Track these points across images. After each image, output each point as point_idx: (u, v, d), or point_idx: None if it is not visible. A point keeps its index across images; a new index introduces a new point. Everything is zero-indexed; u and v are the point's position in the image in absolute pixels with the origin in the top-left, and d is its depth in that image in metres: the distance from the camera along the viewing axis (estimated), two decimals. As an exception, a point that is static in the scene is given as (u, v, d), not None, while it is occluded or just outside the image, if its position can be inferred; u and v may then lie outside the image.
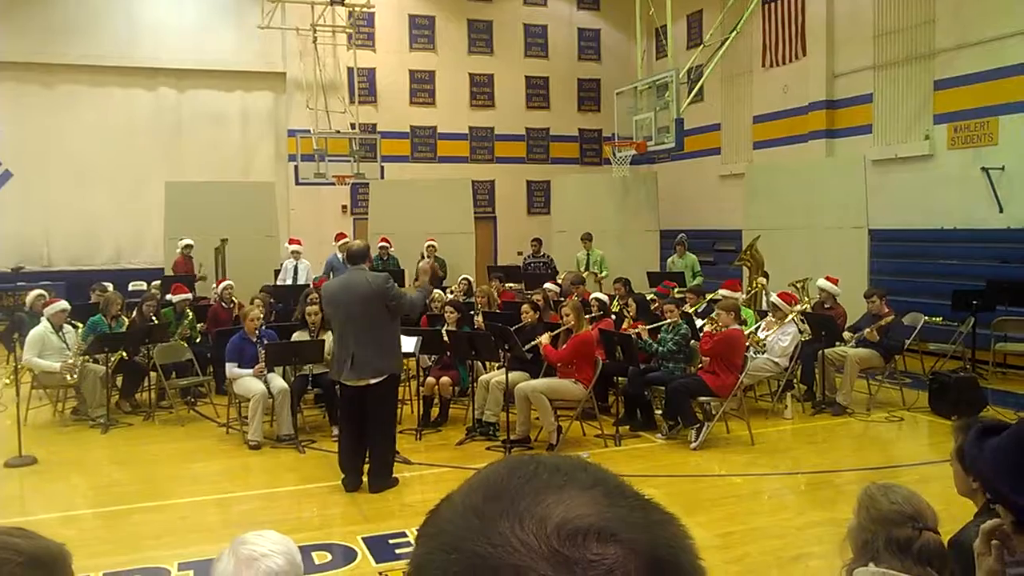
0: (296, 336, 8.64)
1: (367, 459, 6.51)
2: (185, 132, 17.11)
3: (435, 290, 10.74)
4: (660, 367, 8.23)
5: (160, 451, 7.81)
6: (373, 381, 6.28)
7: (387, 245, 13.12)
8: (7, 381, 8.29)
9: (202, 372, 9.49)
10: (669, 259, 13.64)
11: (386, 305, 6.33)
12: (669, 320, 8.24)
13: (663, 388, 8.06)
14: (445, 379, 8.41)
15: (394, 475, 6.60)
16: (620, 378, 8.52)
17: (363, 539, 5.45)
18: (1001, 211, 11.72)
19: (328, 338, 8.00)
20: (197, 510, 6.23)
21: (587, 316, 8.29)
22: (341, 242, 13.36)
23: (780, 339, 8.74)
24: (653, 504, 0.64)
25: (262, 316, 8.66)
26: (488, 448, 7.65)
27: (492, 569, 0.57)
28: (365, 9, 17.13)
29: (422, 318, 9.48)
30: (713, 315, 8.11)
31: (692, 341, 8.27)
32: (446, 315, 8.84)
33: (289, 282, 12.78)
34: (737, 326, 7.93)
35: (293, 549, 2.03)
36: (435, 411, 8.55)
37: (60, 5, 16.07)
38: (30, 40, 15.81)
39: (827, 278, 9.58)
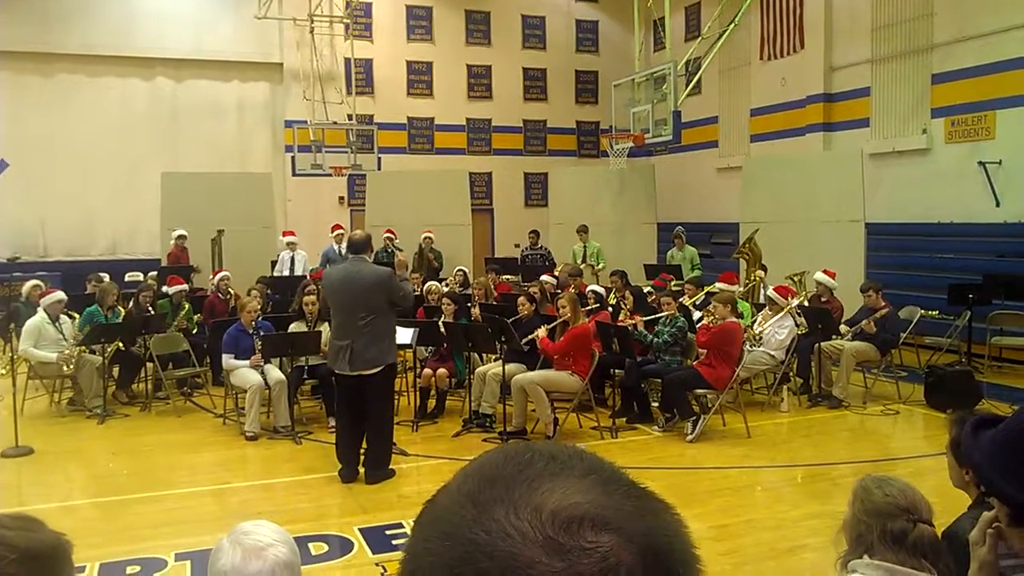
0: (293, 327, 8.64)
1: (364, 450, 6.52)
2: (182, 122, 17.04)
3: (432, 282, 10.75)
4: (657, 360, 8.24)
5: (157, 442, 7.81)
6: (369, 372, 6.29)
7: (392, 236, 13.01)
8: (3, 371, 8.30)
9: (199, 363, 9.48)
10: (668, 252, 13.62)
11: (390, 299, 6.37)
12: (666, 312, 8.25)
13: (660, 380, 8.08)
14: (442, 371, 8.41)
15: (391, 466, 6.61)
16: (617, 370, 8.53)
17: (360, 530, 5.47)
18: (998, 205, 11.72)
19: (325, 329, 8.00)
20: (194, 501, 6.24)
21: (584, 309, 8.29)
22: (336, 233, 13.35)
23: (777, 332, 8.74)
24: (648, 493, 0.64)
25: (259, 307, 8.66)
26: (484, 440, 7.65)
27: (487, 556, 0.57)
28: None
29: (419, 310, 9.48)
30: (710, 307, 8.11)
31: (689, 334, 8.28)
32: (443, 307, 8.83)
33: (286, 273, 12.77)
34: (734, 319, 7.94)
35: (291, 539, 2.05)
36: (432, 403, 8.56)
37: (56, -6, 16.00)
38: (26, 29, 15.73)
39: (824, 271, 9.59)
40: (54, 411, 8.97)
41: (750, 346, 8.55)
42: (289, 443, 7.64)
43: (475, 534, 0.58)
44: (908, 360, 10.07)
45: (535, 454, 0.65)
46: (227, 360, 8.06)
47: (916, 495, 2.38)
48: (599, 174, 15.70)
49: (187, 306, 10.06)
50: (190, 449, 7.60)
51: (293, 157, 16.46)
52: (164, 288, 10.24)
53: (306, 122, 16.30)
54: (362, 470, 6.49)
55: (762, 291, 10.40)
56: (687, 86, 13.08)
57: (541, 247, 14.77)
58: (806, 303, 9.50)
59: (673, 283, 10.44)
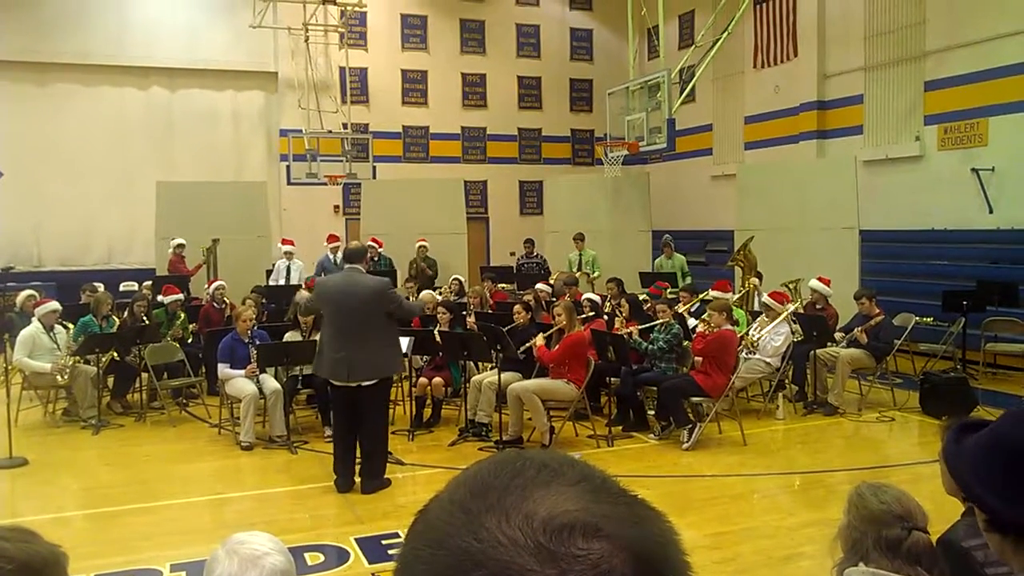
0: (288, 337, 8.62)
1: (359, 460, 6.51)
2: (177, 131, 17.06)
3: (427, 291, 10.74)
4: (652, 367, 8.24)
5: (152, 452, 7.78)
6: (365, 383, 6.27)
7: (376, 245, 13.06)
8: (-3, 382, 8.26)
9: (194, 373, 9.46)
10: (657, 260, 13.64)
11: (387, 309, 6.35)
12: (661, 320, 8.25)
13: (655, 388, 8.08)
14: (437, 380, 8.40)
15: (386, 476, 6.60)
16: (612, 379, 8.53)
17: (356, 540, 5.45)
18: (991, 212, 11.77)
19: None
20: (189, 511, 6.22)
21: (579, 317, 8.29)
22: (333, 245, 13.36)
23: (772, 339, 8.75)
24: (640, 501, 0.64)
25: (254, 316, 8.64)
26: (480, 449, 7.65)
27: (478, 564, 0.57)
28: (357, 8, 17.10)
29: (414, 319, 9.47)
30: (706, 316, 8.12)
31: (684, 342, 8.28)
32: (438, 316, 8.83)
33: (281, 282, 12.75)
34: (730, 327, 7.94)
35: (285, 548, 2.05)
36: (427, 412, 8.55)
37: (52, 4, 16.00)
38: (21, 39, 15.74)
39: (819, 279, 9.61)
40: (48, 422, 8.93)
41: (746, 353, 8.56)
42: (284, 453, 7.61)
43: (466, 542, 0.58)
44: (903, 367, 10.08)
45: (526, 462, 0.65)
46: (222, 370, 8.04)
47: (911, 502, 2.38)
48: (594, 182, 15.73)
49: (182, 315, 10.03)
50: (185, 459, 7.57)
51: (288, 166, 16.49)
52: (159, 297, 10.21)
53: (301, 131, 16.32)
54: (358, 480, 6.47)
55: (756, 298, 10.41)
56: (681, 94, 13.11)
57: (536, 255, 14.78)
58: (801, 310, 9.52)
59: (668, 291, 10.44)
